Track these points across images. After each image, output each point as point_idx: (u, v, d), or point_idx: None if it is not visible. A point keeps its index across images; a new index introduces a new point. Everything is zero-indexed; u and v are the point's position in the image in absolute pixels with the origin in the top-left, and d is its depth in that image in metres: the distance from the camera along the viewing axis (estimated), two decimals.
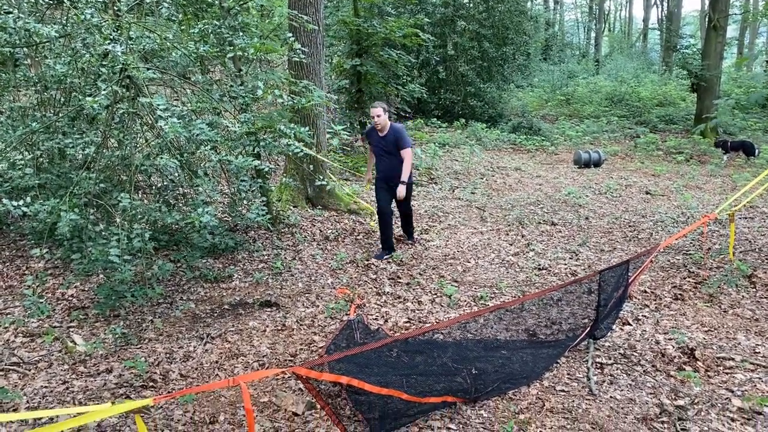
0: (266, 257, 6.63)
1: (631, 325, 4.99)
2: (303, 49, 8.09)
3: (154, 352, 4.39)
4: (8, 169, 5.47)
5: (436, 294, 5.67)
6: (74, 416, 2.31)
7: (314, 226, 7.90)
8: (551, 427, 3.43)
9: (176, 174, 5.34)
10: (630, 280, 4.38)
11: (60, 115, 5.77)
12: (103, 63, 4.96)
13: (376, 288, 5.83)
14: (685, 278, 6.09)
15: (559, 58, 30.30)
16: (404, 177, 6.59)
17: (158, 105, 4.61)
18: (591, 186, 11.34)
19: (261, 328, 4.84)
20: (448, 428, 3.40)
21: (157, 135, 5.35)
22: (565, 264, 6.75)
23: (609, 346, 4.56)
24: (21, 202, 4.70)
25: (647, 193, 10.77)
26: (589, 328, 4.44)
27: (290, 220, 7.78)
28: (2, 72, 6.64)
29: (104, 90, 4.67)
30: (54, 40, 4.82)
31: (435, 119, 17.44)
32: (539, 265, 6.66)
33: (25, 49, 5.73)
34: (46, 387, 3.88)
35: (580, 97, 22.32)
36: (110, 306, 5.06)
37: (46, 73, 4.98)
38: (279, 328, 4.85)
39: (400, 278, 6.17)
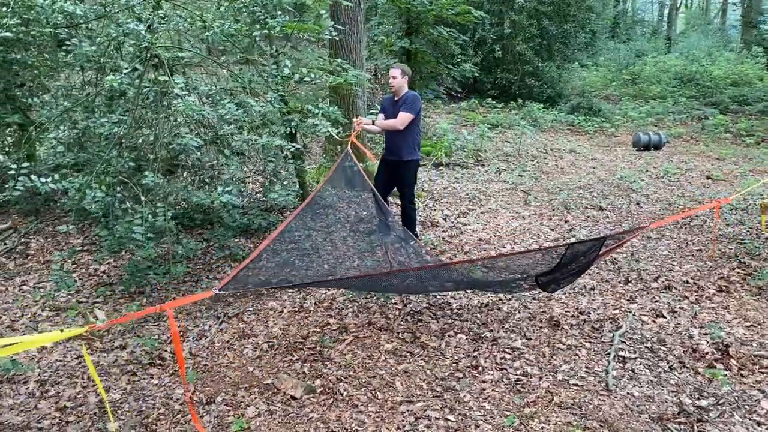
0: (297, 238, 6.59)
1: (665, 317, 4.71)
2: (339, 26, 8.01)
3: (167, 330, 4.43)
4: (49, 148, 5.61)
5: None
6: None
7: (350, 207, 7.82)
8: (556, 423, 3.25)
9: (199, 153, 5.35)
10: (599, 254, 4.06)
11: (95, 94, 5.88)
12: (128, 42, 4.99)
13: (400, 258, 5.70)
14: (734, 269, 5.71)
15: (627, 36, 29.03)
16: (380, 122, 5.94)
17: (176, 83, 4.61)
18: (648, 170, 10.82)
19: (278, 309, 4.82)
20: (447, 419, 3.28)
21: (182, 114, 5.37)
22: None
23: (637, 339, 4.30)
24: (49, 179, 4.81)
25: (708, 177, 10.19)
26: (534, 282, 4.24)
27: (326, 201, 7.73)
28: (47, 53, 6.83)
29: (126, 69, 4.70)
30: (81, 18, 4.87)
31: (490, 99, 17.03)
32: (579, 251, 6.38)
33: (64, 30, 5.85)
34: (60, 361, 3.97)
35: (647, 76, 21.31)
36: (135, 283, 5.14)
37: (78, 53, 5.05)
38: (296, 309, 4.82)
39: (423, 250, 6.03)
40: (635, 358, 4.01)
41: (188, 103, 4.35)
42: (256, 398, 3.52)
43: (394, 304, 4.91)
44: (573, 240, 6.80)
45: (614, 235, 4.19)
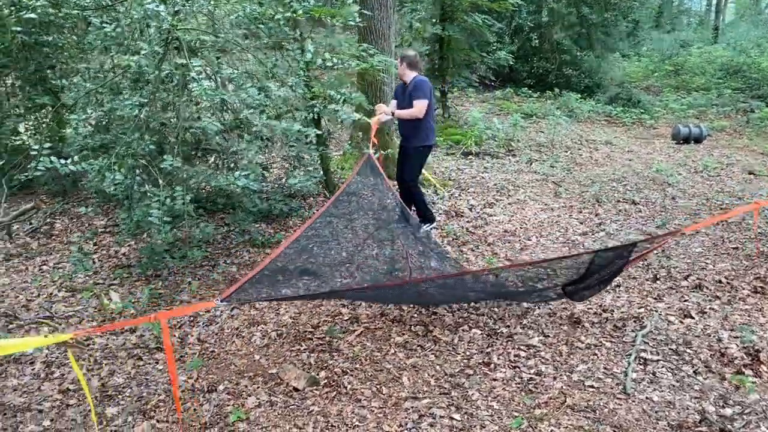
0: (318, 224, 6.52)
1: (693, 318, 4.49)
2: (365, 11, 7.86)
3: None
4: (73, 130, 5.63)
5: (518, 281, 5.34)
6: None
7: (374, 195, 7.71)
8: (566, 427, 3.11)
9: (218, 138, 5.29)
10: (630, 260, 3.87)
11: (120, 76, 5.87)
12: (152, 24, 4.95)
13: (420, 262, 5.59)
14: None
15: (672, 26, 28.14)
16: (398, 112, 5.80)
17: (193, 66, 4.55)
18: (686, 163, 10.45)
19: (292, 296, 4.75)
20: (452, 418, 3.16)
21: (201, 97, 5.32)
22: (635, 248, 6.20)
23: (661, 340, 4.11)
24: (69, 161, 4.81)
25: (750, 173, 9.78)
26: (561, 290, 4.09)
27: (350, 189, 7.64)
28: (76, 35, 6.86)
29: (144, 50, 4.66)
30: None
31: (526, 88, 16.68)
32: (606, 245, 6.16)
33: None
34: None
35: (691, 67, 20.62)
36: (152, 266, 5.13)
37: (100, 34, 5.03)
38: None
39: (447, 253, 5.90)
40: (657, 361, 3.83)
41: (203, 87, 4.28)
42: (258, 388, 3.45)
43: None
44: (602, 233, 6.59)
45: (645, 241, 3.99)
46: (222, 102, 5.38)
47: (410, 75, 5.83)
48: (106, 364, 3.70)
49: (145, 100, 5.16)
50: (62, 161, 4.77)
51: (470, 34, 12.54)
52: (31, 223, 6.24)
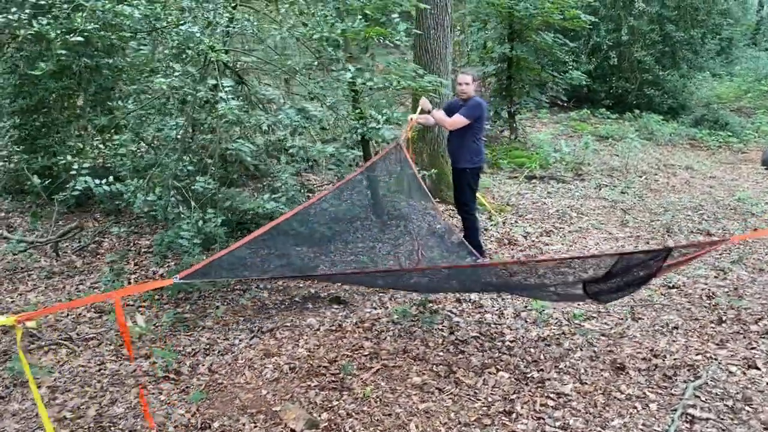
0: (359, 250, 6.32)
1: (759, 369, 3.95)
2: (417, 31, 7.67)
3: (197, 341, 4.28)
4: (113, 150, 5.70)
5: (524, 307, 4.97)
6: None
7: (424, 219, 7.43)
8: None
9: (251, 159, 5.18)
10: (664, 266, 3.38)
11: (166, 98, 5.91)
12: (188, 45, 4.92)
13: (459, 293, 5.26)
14: None
15: None
16: (435, 113, 5.72)
17: (224, 87, 4.46)
18: None
19: (315, 327, 4.54)
20: None
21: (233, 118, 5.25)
22: (706, 283, 5.63)
23: (716, 394, 3.62)
24: (104, 181, 4.83)
25: None
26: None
27: (400, 212, 7.40)
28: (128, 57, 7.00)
29: (178, 72, 4.63)
30: (141, 22, 4.87)
31: (604, 109, 15.97)
32: (670, 281, 5.63)
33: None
34: (82, 366, 3.91)
35: None
36: (182, 289, 5.06)
37: (137, 56, 5.07)
38: (334, 328, 4.51)
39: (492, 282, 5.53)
40: (707, 419, 3.35)
41: (229, 106, 4.18)
42: (255, 427, 3.24)
43: (440, 330, 4.49)
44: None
45: (684, 246, 3.52)
46: (258, 123, 5.28)
47: (473, 95, 5.70)
48: (110, 392, 3.60)
49: (183, 121, 5.15)
50: (97, 181, 4.80)
51: (541, 53, 12.11)
52: (79, 242, 6.35)
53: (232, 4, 5.73)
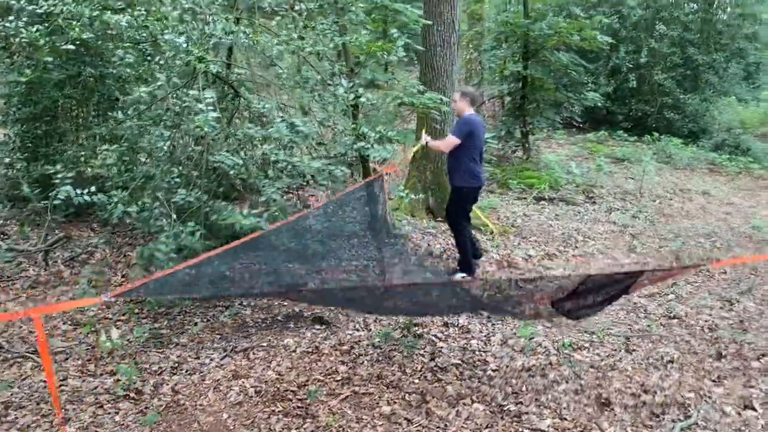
0: (352, 268, 6.15)
1: (755, 410, 3.70)
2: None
3: (167, 359, 4.14)
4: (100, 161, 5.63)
5: (513, 333, 4.75)
6: None
7: (424, 238, 7.27)
8: None
9: (232, 172, 5.05)
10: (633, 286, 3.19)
11: (165, 109, 5.84)
12: (175, 55, 4.84)
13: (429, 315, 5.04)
14: None
15: None
16: (430, 143, 5.87)
17: (205, 98, 4.36)
18: None
19: (292, 348, 4.38)
20: None
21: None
22: (710, 314, 5.37)
23: None
24: (86, 191, 4.75)
25: None
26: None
27: (400, 231, 7.25)
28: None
29: (160, 81, 4.54)
30: (126, 30, 4.81)
31: (622, 132, 15.67)
32: (672, 311, 5.37)
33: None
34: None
35: None
36: (162, 304, 4.94)
37: (123, 65, 5.01)
38: (311, 350, 4.35)
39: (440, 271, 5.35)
40: None
41: (205, 118, 4.07)
42: None
43: (421, 355, 4.29)
44: (671, 296, 5.78)
45: (655, 270, 3.33)
46: (247, 136, 5.17)
47: (465, 111, 5.66)
48: (66, 410, 3.47)
49: (168, 133, 5.06)
50: (77, 191, 4.72)
51: (557, 73, 11.92)
52: (70, 252, 6.28)
53: (230, 17, 5.67)
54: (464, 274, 6.01)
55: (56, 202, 4.82)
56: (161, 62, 5.01)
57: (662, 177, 12.00)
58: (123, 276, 5.79)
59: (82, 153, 7.43)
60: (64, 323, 4.69)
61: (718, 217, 9.37)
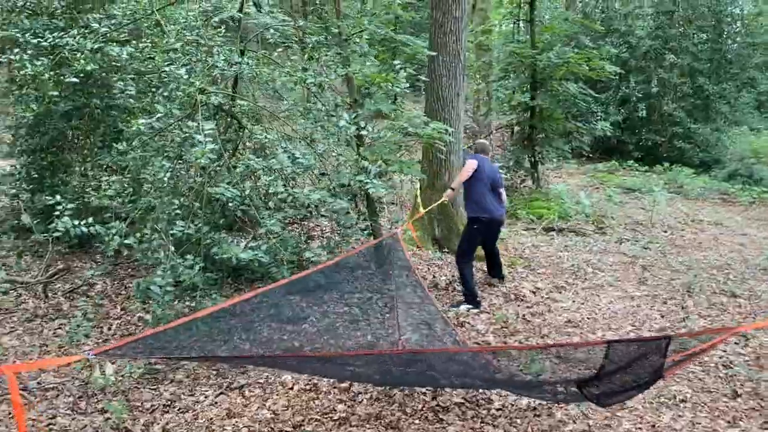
0: (356, 301, 6.04)
1: None
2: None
3: (160, 395, 4.03)
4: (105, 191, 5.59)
5: (519, 371, 4.58)
6: None
7: (430, 270, 7.15)
8: None
9: (232, 204, 4.99)
10: (669, 363, 2.98)
11: (169, 140, 5.82)
12: (177, 87, 4.83)
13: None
14: None
15: None
16: (450, 192, 6.40)
17: (204, 129, 4.32)
18: None
19: (289, 385, 4.25)
20: None
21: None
22: (724, 351, 5.18)
23: None
24: (83, 222, 4.70)
25: None
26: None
27: (404, 263, 7.13)
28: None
29: (161, 112, 4.51)
30: (127, 62, 4.81)
31: (633, 161, 15.56)
32: (685, 348, 5.19)
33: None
34: (32, 420, 3.68)
35: None
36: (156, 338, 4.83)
37: (125, 96, 5.00)
38: (308, 387, 4.22)
39: (489, 344, 5.18)
40: None
41: (203, 150, 4.02)
42: None
43: (423, 394, 4.15)
44: (683, 330, 5.60)
45: (687, 335, 3.16)
46: (248, 168, 5.12)
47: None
48: None
49: (168, 164, 5.02)
50: (75, 223, 4.67)
51: (566, 103, 11.87)
52: (72, 284, 6.22)
53: (234, 48, 5.67)
54: (470, 306, 5.95)
55: (56, 234, 4.78)
56: (165, 94, 4.99)
57: (673, 207, 11.84)
58: (122, 309, 5.71)
59: (90, 184, 7.42)
60: (88, 358, 4.58)
61: (731, 249, 9.17)
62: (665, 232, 10.07)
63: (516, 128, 12.18)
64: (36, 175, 7.53)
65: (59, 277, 6.26)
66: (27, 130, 7.48)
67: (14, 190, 7.73)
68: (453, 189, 6.33)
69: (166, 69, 4.47)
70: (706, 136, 15.71)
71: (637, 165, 15.33)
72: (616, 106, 15.64)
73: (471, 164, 6.04)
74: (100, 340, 4.93)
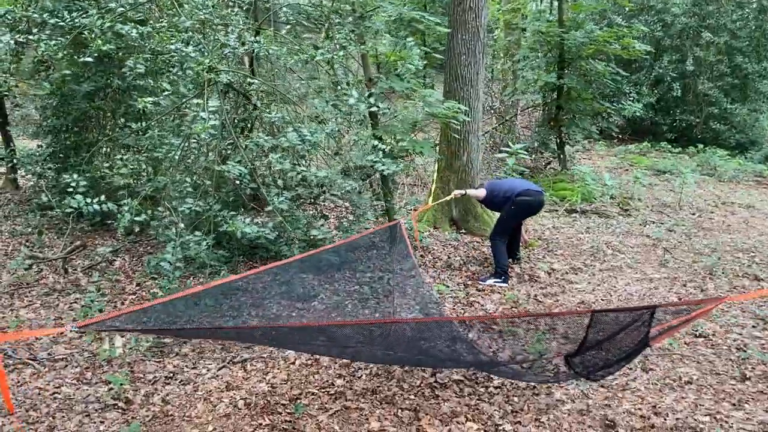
0: (368, 279, 6.06)
1: None
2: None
3: (163, 368, 4.11)
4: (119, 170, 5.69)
5: (522, 350, 4.55)
6: None
7: (445, 250, 7.11)
8: None
9: (238, 181, 5.04)
10: (655, 330, 2.90)
11: (179, 119, 5.89)
12: (186, 65, 4.87)
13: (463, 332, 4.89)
14: None
15: None
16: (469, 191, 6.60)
17: (209, 107, 4.35)
18: None
19: (291, 360, 4.30)
20: None
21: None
22: (740, 334, 5.06)
23: None
24: (96, 200, 4.81)
25: None
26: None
27: (421, 243, 7.12)
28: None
29: (168, 92, 4.56)
30: (135, 41, 4.86)
31: (666, 143, 15.19)
32: (699, 329, 5.09)
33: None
34: (39, 389, 3.80)
35: None
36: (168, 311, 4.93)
37: (134, 74, 5.06)
38: (309, 362, 4.26)
39: (496, 324, 5.14)
40: None
41: (204, 125, 4.05)
42: None
43: (422, 371, 4.15)
44: None
45: (671, 305, 3.09)
46: (257, 145, 5.16)
47: None
48: (54, 417, 3.46)
49: (178, 141, 5.08)
50: (87, 200, 4.78)
51: (595, 83, 11.61)
52: (92, 260, 6.37)
53: (249, 27, 5.69)
54: (498, 280, 6.14)
55: (69, 210, 4.90)
56: (179, 73, 5.05)
57: (704, 189, 11.55)
58: (137, 285, 5.82)
59: (111, 163, 7.57)
60: (71, 330, 4.70)
61: (762, 232, 8.91)
62: (693, 214, 9.82)
63: (543, 108, 11.97)
64: (61, 155, 7.72)
65: (79, 254, 6.41)
66: (52, 110, 7.66)
67: (40, 169, 7.93)
68: (465, 192, 6.56)
69: (172, 47, 4.50)
70: (743, 116, 15.22)
71: (670, 147, 14.97)
72: (650, 87, 15.23)
73: (481, 192, 6.38)
74: (133, 318, 5.03)
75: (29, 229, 7.44)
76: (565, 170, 11.35)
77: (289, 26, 5.75)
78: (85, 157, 7.65)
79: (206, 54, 4.92)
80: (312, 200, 6.39)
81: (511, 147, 9.43)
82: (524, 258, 6.95)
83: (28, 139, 10.54)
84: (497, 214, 6.55)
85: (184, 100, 4.97)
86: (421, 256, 6.85)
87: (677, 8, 14.80)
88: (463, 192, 6.52)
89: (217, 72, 4.87)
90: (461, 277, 6.30)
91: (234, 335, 3.82)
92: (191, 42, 4.77)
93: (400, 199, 8.99)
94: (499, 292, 5.88)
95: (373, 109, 5.30)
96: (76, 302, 5.32)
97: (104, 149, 7.75)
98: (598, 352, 3.11)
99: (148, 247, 6.89)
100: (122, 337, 4.59)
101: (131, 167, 5.67)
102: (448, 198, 6.71)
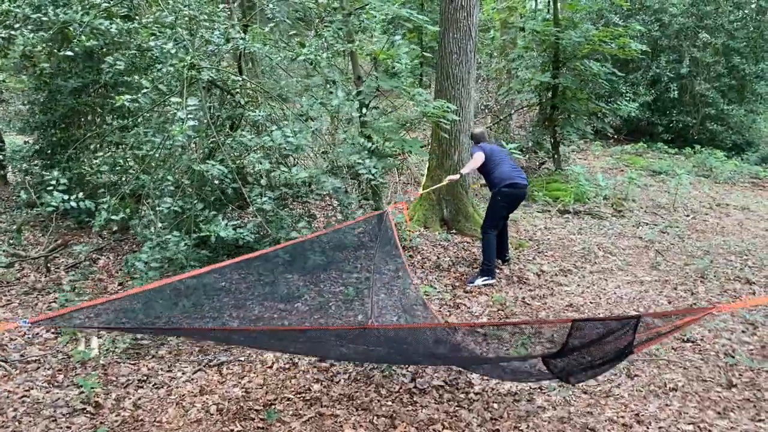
0: (354, 280, 5.97)
1: None
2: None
3: (137, 371, 4.02)
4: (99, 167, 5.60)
5: (506, 353, 4.47)
6: None
7: (434, 251, 7.03)
8: None
9: (217, 182, 4.95)
10: (637, 339, 2.80)
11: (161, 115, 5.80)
12: (166, 61, 4.78)
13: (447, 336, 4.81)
14: None
15: None
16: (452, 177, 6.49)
17: (188, 106, 4.26)
18: None
19: (269, 363, 4.21)
20: None
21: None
22: (729, 339, 4.99)
23: None
24: (72, 197, 4.72)
25: None
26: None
27: (410, 243, 7.04)
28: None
29: (146, 89, 4.47)
30: (115, 36, 4.77)
31: (662, 144, 15.10)
32: (687, 334, 5.01)
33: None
34: (8, 392, 3.71)
35: None
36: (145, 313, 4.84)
37: (111, 72, 4.97)
38: (287, 366, 4.17)
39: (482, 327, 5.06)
40: None
41: (181, 126, 3.96)
42: None
43: (402, 375, 4.07)
44: None
45: (657, 315, 3.00)
46: (241, 144, 5.07)
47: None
48: (20, 422, 3.38)
49: (158, 140, 4.99)
50: (64, 197, 4.69)
51: (590, 83, 11.51)
52: (75, 259, 6.28)
53: (234, 24, 5.60)
54: (486, 278, 6.10)
55: (49, 208, 4.81)
56: (163, 70, 4.95)
57: (699, 191, 11.46)
58: (120, 284, 5.74)
59: (95, 160, 7.48)
60: (47, 331, 4.63)
61: (756, 234, 8.83)
62: (687, 216, 9.75)
63: (537, 108, 11.88)
64: (48, 151, 7.63)
65: (64, 252, 6.32)
66: (39, 106, 7.56)
67: (26, 165, 7.83)
68: (461, 174, 6.45)
69: (151, 43, 4.41)
70: (740, 117, 15.12)
71: (666, 147, 14.88)
72: (646, 87, 15.13)
73: (479, 156, 6.17)
74: (92, 315, 4.94)
75: (14, 227, 7.35)
76: (559, 170, 11.26)
77: (272, 24, 5.64)
78: (72, 153, 7.57)
79: (189, 51, 4.83)
80: (299, 199, 6.31)
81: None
82: (514, 259, 6.87)
83: (14, 134, 10.44)
84: None
85: (164, 97, 4.88)
86: (410, 256, 6.77)
87: (675, 8, 14.70)
88: (457, 177, 6.41)
89: (198, 69, 4.77)
90: (449, 279, 6.22)
91: (211, 336, 3.76)
92: (176, 38, 4.68)
93: (393, 198, 8.90)
94: (486, 294, 5.80)
95: (357, 108, 5.21)
96: (55, 301, 5.23)
97: (92, 146, 7.66)
98: (579, 355, 3.02)
99: (133, 246, 6.80)
100: (99, 338, 4.50)
101: (118, 165, 5.57)
102: (443, 184, 6.59)
